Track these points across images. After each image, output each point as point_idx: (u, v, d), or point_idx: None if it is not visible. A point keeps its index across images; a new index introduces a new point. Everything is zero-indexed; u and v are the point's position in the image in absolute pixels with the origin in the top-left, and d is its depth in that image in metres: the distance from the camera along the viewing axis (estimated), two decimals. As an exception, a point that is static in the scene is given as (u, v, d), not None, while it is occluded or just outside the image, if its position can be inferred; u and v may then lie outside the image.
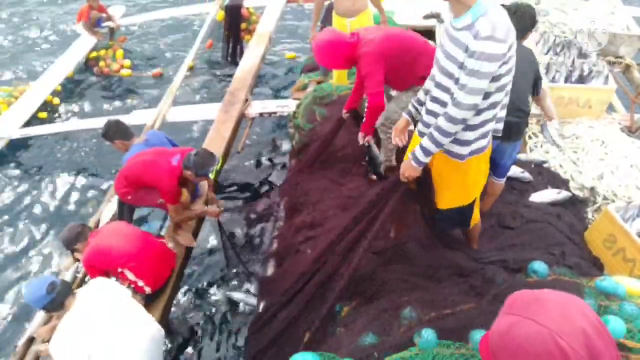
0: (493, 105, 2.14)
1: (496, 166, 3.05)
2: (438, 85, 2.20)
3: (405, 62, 3.16)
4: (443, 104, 2.17)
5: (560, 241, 3.04)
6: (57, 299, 2.69)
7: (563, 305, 0.98)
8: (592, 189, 3.66)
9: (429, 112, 2.29)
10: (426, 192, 2.51)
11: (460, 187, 2.44)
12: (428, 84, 2.37)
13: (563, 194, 3.52)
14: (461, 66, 2.03)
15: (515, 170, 3.68)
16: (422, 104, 2.43)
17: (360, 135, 3.53)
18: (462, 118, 2.07)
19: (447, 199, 2.49)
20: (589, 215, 3.56)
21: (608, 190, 3.63)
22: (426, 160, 2.25)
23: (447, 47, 2.09)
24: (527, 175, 3.69)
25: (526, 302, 1.01)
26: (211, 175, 3.29)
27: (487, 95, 2.07)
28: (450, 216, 2.55)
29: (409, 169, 2.32)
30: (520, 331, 0.97)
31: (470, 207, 2.54)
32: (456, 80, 2.07)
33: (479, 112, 2.13)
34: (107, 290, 2.85)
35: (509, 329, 0.99)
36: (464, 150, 2.26)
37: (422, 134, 2.37)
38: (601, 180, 3.69)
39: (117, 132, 3.71)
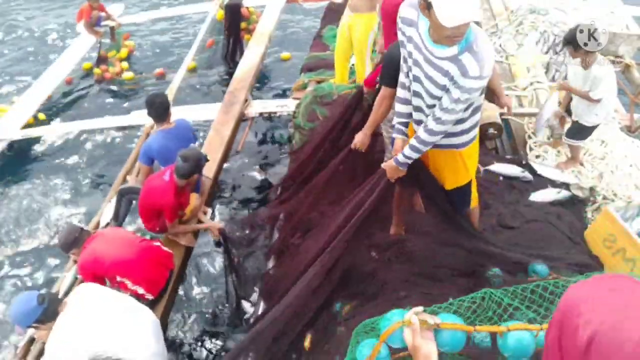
0: (475, 110, 2.30)
1: None
2: (420, 96, 2.27)
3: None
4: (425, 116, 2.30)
5: (560, 241, 3.04)
6: (50, 308, 2.62)
7: None
8: (591, 189, 3.66)
9: (417, 122, 2.39)
10: (428, 177, 2.61)
11: (460, 168, 2.54)
12: (404, 94, 2.40)
13: (563, 194, 3.52)
14: (444, 89, 2.12)
15: (515, 170, 3.68)
16: (404, 116, 2.48)
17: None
18: (442, 131, 2.25)
19: (449, 180, 2.59)
20: (589, 215, 3.55)
21: (608, 190, 3.63)
22: (409, 162, 2.43)
23: (429, 72, 2.13)
24: (527, 175, 3.69)
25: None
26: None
27: (469, 106, 2.23)
28: (454, 195, 2.65)
29: (394, 172, 2.50)
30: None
31: (469, 186, 2.64)
32: (438, 99, 2.17)
33: (461, 120, 2.27)
34: (96, 291, 2.90)
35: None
36: (459, 140, 2.40)
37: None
38: (601, 180, 3.69)
39: (150, 111, 3.90)
